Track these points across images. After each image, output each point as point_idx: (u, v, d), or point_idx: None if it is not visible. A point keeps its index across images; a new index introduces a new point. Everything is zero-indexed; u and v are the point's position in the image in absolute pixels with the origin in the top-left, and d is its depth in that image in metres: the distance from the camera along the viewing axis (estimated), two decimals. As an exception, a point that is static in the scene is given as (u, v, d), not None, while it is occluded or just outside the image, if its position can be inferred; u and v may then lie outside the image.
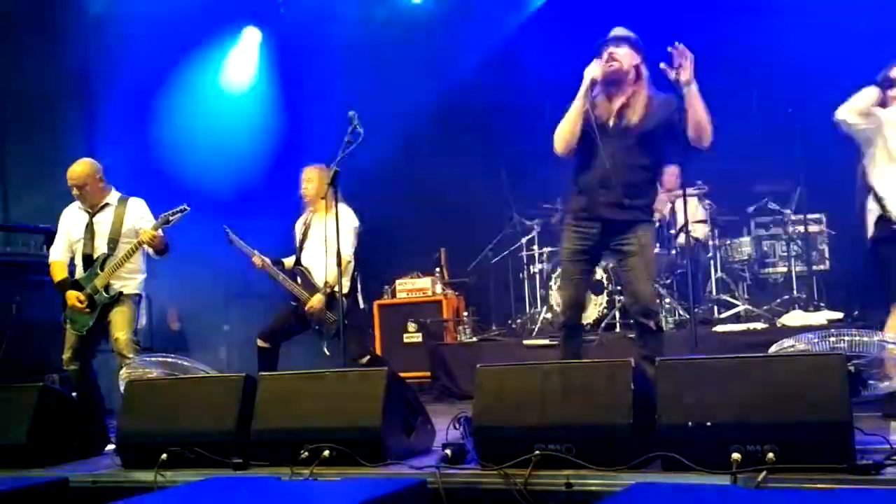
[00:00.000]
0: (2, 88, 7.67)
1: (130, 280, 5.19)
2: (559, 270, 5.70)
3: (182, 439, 3.70)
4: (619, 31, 4.31)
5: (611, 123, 4.21)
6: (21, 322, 6.18)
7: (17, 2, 7.88)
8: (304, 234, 5.84)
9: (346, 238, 5.52)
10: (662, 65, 4.10)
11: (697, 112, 4.07)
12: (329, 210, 5.11)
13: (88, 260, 5.19)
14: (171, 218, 5.07)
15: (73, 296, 5.09)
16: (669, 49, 4.07)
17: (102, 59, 8.50)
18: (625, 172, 4.17)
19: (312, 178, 5.76)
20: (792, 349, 3.35)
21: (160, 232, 5.10)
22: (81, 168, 5.24)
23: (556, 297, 7.15)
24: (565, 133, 4.26)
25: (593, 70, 4.19)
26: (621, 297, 6.95)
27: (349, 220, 5.62)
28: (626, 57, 4.20)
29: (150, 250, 5.14)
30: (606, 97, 4.25)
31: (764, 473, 2.78)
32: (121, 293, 5.10)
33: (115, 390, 5.75)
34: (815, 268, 6.93)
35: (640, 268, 4.18)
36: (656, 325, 4.16)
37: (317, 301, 5.56)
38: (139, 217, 5.21)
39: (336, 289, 5.14)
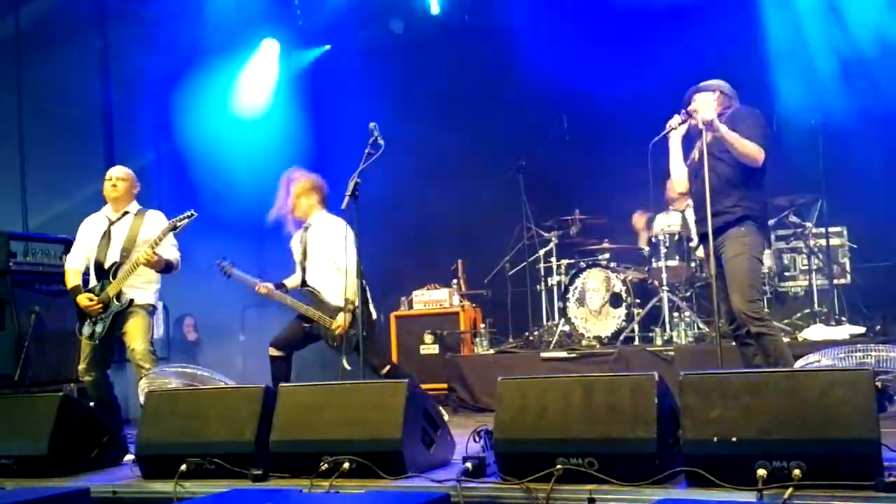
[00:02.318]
0: (23, 97, 7.72)
1: (144, 290, 5.19)
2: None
3: (202, 450, 3.70)
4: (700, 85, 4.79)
5: (696, 155, 4.74)
6: (40, 332, 6.19)
7: (44, 13, 7.95)
8: (304, 254, 5.69)
9: (351, 251, 5.36)
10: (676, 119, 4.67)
11: (730, 143, 4.48)
12: (323, 223, 5.01)
13: (100, 268, 5.19)
14: (178, 224, 5.06)
15: (84, 298, 5.10)
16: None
17: (122, 67, 8.56)
18: (714, 186, 4.54)
19: (300, 193, 5.65)
20: (818, 364, 3.31)
21: (170, 239, 5.10)
22: (119, 167, 5.39)
23: (573, 310, 7.13)
24: (679, 171, 4.91)
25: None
26: (640, 311, 6.94)
27: (341, 230, 5.48)
28: (701, 104, 4.67)
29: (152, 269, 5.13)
30: None
31: (790, 490, 2.75)
32: (132, 301, 5.10)
33: (132, 400, 5.77)
34: (836, 281, 6.86)
35: (728, 276, 4.53)
36: (758, 332, 4.38)
37: (342, 321, 5.41)
38: (156, 228, 5.21)
39: (356, 304, 5.11)
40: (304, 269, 5.70)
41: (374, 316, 5.83)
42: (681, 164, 4.87)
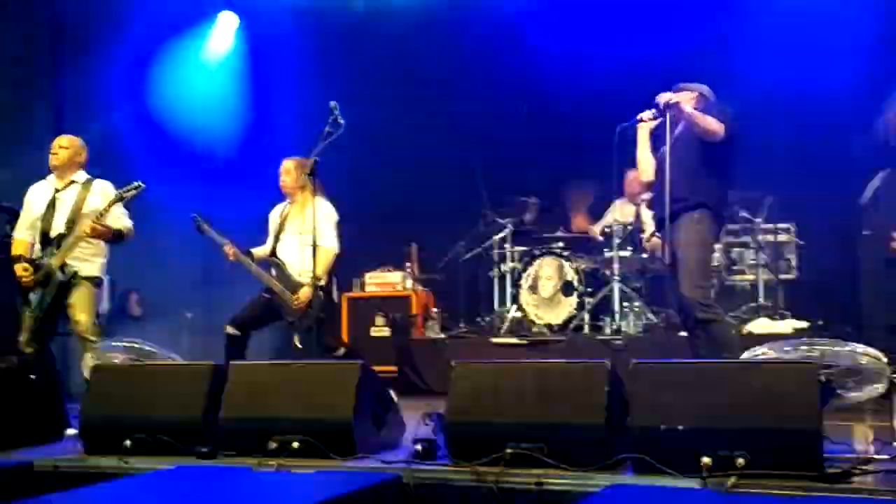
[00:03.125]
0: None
1: (90, 262, 5.09)
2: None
3: (147, 426, 3.64)
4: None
5: (662, 145, 4.80)
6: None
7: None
8: (281, 226, 5.74)
9: (329, 231, 5.48)
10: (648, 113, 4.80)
11: (694, 121, 4.60)
12: (309, 202, 5.06)
13: (45, 237, 5.08)
14: (124, 195, 4.97)
15: (19, 267, 4.99)
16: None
17: (70, 37, 8.34)
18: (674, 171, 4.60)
19: (290, 171, 5.66)
20: (764, 356, 3.38)
21: (119, 209, 4.99)
22: (65, 136, 5.25)
23: (525, 297, 7.17)
24: (647, 164, 4.97)
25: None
26: (591, 299, 7.01)
27: (329, 213, 5.58)
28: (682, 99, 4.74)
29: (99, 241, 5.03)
30: None
31: (734, 479, 2.80)
32: (76, 273, 5.00)
33: (74, 374, 5.66)
34: (782, 276, 7.02)
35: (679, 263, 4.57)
36: (703, 319, 4.44)
37: (304, 295, 5.43)
38: (103, 198, 5.09)
39: (322, 282, 5.10)
40: (276, 240, 5.70)
41: (336, 299, 5.84)
42: (648, 154, 4.94)
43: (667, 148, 4.62)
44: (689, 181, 4.61)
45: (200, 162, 9.05)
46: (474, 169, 7.76)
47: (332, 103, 4.71)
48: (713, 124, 4.59)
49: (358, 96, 7.74)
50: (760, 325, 6.40)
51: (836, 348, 3.22)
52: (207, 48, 9.35)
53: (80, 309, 4.96)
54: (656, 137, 4.91)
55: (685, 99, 4.78)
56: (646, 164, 4.96)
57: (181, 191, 7.98)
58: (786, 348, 3.37)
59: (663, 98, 4.74)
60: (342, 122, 4.69)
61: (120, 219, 5.09)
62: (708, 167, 4.68)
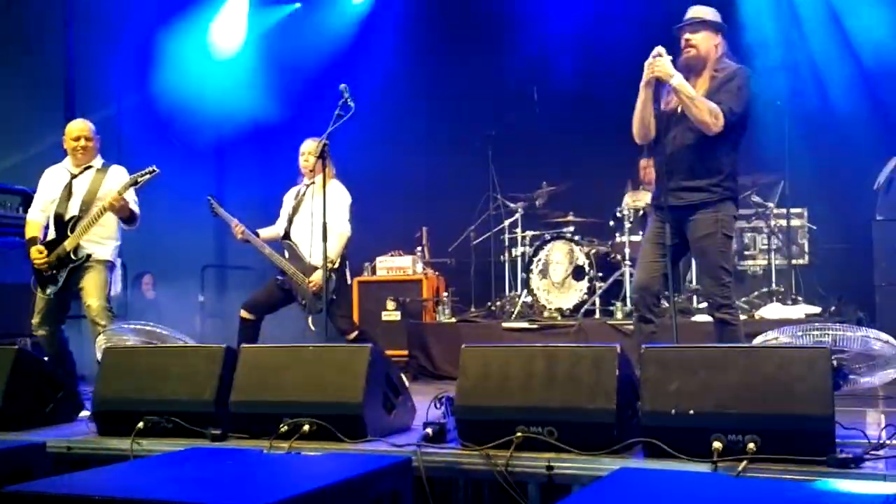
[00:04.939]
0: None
1: (103, 245, 5.12)
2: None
3: (159, 408, 3.66)
4: (696, 12, 4.24)
5: (671, 107, 4.19)
6: (-6, 284, 6.07)
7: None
8: (295, 208, 5.74)
9: (341, 213, 5.48)
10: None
11: (683, 103, 4.07)
12: (324, 183, 5.06)
13: (60, 221, 5.10)
14: (139, 179, 4.99)
15: (34, 250, 5.02)
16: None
17: (82, 14, 8.34)
18: (684, 154, 4.15)
19: (313, 152, 5.60)
20: (776, 341, 3.36)
21: (131, 195, 5.02)
22: (83, 123, 5.24)
23: (536, 282, 7.16)
24: (635, 123, 4.26)
25: (662, 70, 4.07)
26: (602, 284, 6.99)
27: (342, 195, 5.58)
28: (703, 41, 4.17)
29: (117, 217, 5.06)
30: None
31: (744, 463, 2.80)
32: (89, 256, 5.03)
33: (87, 357, 5.70)
34: (794, 262, 6.98)
35: (700, 257, 4.24)
36: (721, 319, 4.11)
37: (318, 278, 5.43)
38: (119, 183, 5.12)
39: (335, 265, 5.11)
40: (290, 222, 5.71)
41: (349, 282, 5.86)
42: (644, 113, 4.21)
43: (671, 114, 4.13)
44: (706, 166, 4.13)
45: (212, 145, 9.07)
46: (486, 153, 7.74)
47: (343, 85, 4.71)
48: (706, 115, 4.01)
49: (372, 80, 7.76)
50: (773, 310, 6.37)
51: (849, 333, 3.20)
52: (219, 27, 9.32)
53: (91, 292, 4.99)
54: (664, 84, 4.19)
55: (710, 46, 4.13)
56: (640, 123, 4.25)
57: (194, 174, 8.02)
58: (798, 333, 3.35)
59: (652, 70, 4.09)
60: (352, 104, 4.68)
61: (131, 204, 5.12)
62: (721, 148, 4.15)
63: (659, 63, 4.07)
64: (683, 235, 4.25)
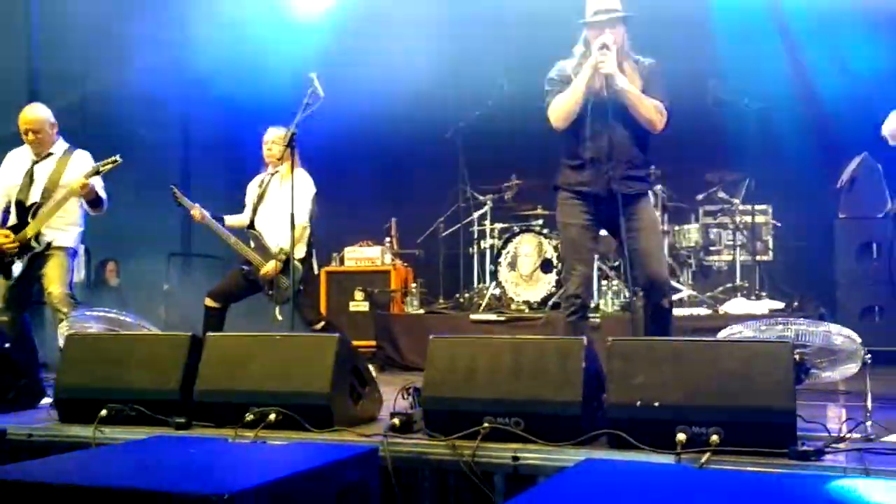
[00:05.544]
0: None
1: (65, 232, 5.06)
2: (565, 247, 4.60)
3: (123, 397, 3.62)
4: (610, 4, 4.17)
5: (605, 93, 4.11)
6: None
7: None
8: (260, 197, 5.71)
9: (303, 204, 5.45)
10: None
11: (632, 102, 4.06)
12: (289, 174, 5.02)
13: (21, 207, 5.03)
14: (101, 168, 4.93)
15: (0, 234, 4.94)
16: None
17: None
18: (625, 143, 4.12)
19: (277, 141, 5.57)
20: (740, 335, 3.40)
21: (98, 180, 4.96)
22: (36, 112, 5.12)
23: (504, 274, 7.18)
24: (565, 114, 4.17)
25: (610, 68, 4.02)
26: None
27: (306, 185, 5.54)
28: (621, 37, 4.16)
29: (83, 202, 4.99)
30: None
31: (707, 455, 2.83)
32: (50, 244, 4.96)
33: (49, 344, 5.62)
34: (758, 258, 7.08)
35: (652, 245, 4.16)
36: (669, 303, 4.16)
37: (271, 268, 5.45)
38: (81, 170, 5.05)
39: (291, 255, 5.08)
40: (254, 212, 5.67)
41: (317, 272, 5.83)
42: (577, 105, 4.12)
43: (600, 102, 4.06)
44: (639, 156, 4.18)
45: (182, 134, 8.96)
46: (455, 145, 7.73)
47: (312, 74, 4.68)
48: (653, 114, 4.05)
49: (343, 70, 7.69)
50: (737, 305, 6.45)
51: (811, 328, 3.24)
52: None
53: (52, 280, 4.94)
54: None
55: (618, 38, 4.08)
56: (569, 114, 4.16)
57: (160, 160, 7.91)
58: (762, 328, 3.39)
59: (598, 67, 4.03)
60: (322, 93, 4.65)
61: (100, 189, 5.06)
62: (648, 139, 4.20)
63: (607, 59, 4.03)
64: (612, 223, 4.20)
